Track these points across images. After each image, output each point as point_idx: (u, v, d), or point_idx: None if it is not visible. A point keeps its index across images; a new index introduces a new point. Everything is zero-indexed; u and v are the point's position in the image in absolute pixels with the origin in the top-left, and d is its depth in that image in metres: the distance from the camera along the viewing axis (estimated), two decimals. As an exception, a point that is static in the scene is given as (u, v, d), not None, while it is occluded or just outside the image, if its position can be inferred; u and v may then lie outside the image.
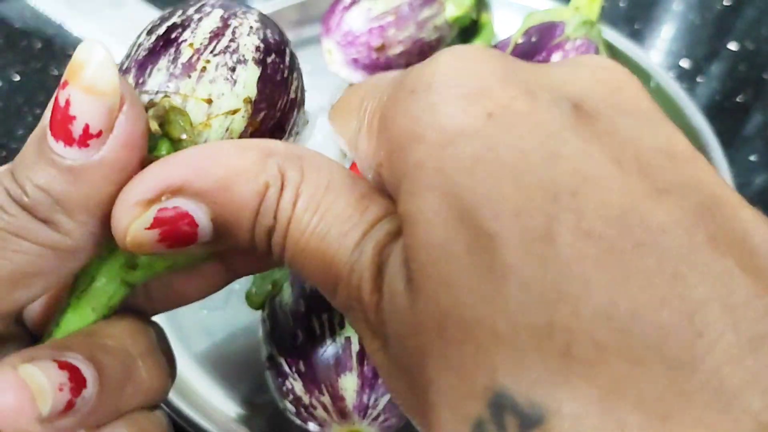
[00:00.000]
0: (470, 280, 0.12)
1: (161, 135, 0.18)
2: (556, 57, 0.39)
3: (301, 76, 0.21)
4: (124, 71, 0.19)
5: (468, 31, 0.47)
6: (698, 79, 0.50)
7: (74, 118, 0.15)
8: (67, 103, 0.15)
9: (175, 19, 0.19)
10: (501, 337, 0.12)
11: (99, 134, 0.15)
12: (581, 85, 0.15)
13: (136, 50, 0.19)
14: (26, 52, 0.51)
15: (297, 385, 0.28)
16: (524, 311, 0.12)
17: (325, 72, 0.45)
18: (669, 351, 0.11)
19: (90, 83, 0.15)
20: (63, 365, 0.16)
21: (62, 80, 0.15)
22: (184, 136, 0.17)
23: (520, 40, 0.40)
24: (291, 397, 0.28)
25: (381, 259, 0.15)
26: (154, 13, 0.20)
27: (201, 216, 0.15)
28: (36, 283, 0.16)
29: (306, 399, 0.28)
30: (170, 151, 0.18)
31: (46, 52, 0.51)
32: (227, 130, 0.18)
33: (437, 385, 0.13)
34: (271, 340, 0.29)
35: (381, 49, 0.42)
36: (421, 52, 0.43)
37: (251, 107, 0.18)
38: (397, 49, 0.42)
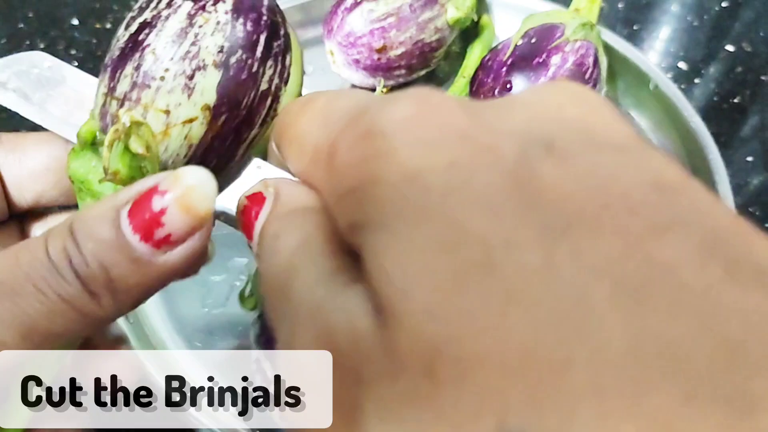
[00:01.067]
0: (466, 310, 0.11)
1: (124, 149, 0.18)
2: (555, 59, 0.39)
3: (282, 58, 0.20)
4: (103, 70, 0.19)
5: (468, 32, 0.47)
6: (695, 81, 0.51)
7: (163, 225, 0.17)
8: (162, 212, 0.17)
9: (147, 14, 0.19)
10: (511, 373, 0.10)
11: (175, 243, 0.17)
12: (550, 124, 0.14)
13: (114, 45, 0.19)
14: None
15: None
16: (538, 344, 0.11)
17: (328, 72, 0.45)
18: (722, 387, 0.10)
19: (191, 205, 0.17)
20: None
21: (161, 187, 0.17)
22: (140, 150, 0.18)
23: (519, 42, 0.41)
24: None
25: (343, 299, 0.14)
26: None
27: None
28: (61, 341, 0.18)
29: None
30: (130, 166, 0.19)
31: (50, 53, 0.51)
32: (185, 137, 0.19)
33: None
34: (258, 344, 0.29)
35: (382, 50, 0.42)
36: (421, 53, 0.44)
37: (209, 113, 0.19)
38: (398, 51, 0.43)
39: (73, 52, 0.51)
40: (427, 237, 0.12)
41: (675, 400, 0.10)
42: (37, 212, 0.25)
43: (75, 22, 0.54)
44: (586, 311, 0.11)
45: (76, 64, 0.50)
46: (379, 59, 0.43)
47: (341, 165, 0.14)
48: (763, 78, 0.51)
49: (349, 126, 0.15)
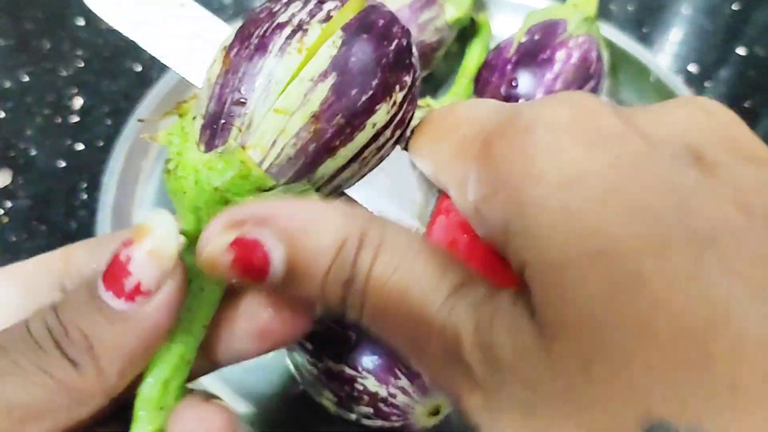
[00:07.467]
0: (617, 320, 0.12)
1: None
2: (560, 55, 0.39)
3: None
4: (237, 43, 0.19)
5: (466, 31, 0.47)
6: (706, 84, 0.50)
7: (130, 274, 0.16)
8: (128, 260, 0.16)
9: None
10: (655, 371, 0.12)
11: (147, 293, 0.17)
12: (698, 133, 0.15)
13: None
14: (36, 53, 0.52)
15: (369, 382, 0.27)
16: (680, 345, 0.12)
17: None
18: None
19: (154, 248, 0.16)
20: None
21: (127, 239, 0.17)
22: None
23: (523, 39, 0.40)
24: (366, 399, 0.27)
25: (479, 316, 0.15)
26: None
27: (276, 253, 0.16)
28: (46, 419, 0.17)
29: (383, 391, 0.27)
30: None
31: (56, 53, 0.52)
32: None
33: (580, 421, 0.13)
34: (323, 355, 0.28)
35: (382, 48, 0.42)
36: (422, 54, 0.43)
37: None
38: (398, 49, 0.42)
39: (79, 52, 0.52)
40: (584, 251, 0.13)
41: None
42: None
43: (81, 22, 0.54)
44: (728, 313, 0.12)
45: (82, 65, 0.51)
46: (379, 58, 0.42)
47: (498, 155, 0.15)
48: (775, 81, 0.50)
49: (508, 121, 0.16)
